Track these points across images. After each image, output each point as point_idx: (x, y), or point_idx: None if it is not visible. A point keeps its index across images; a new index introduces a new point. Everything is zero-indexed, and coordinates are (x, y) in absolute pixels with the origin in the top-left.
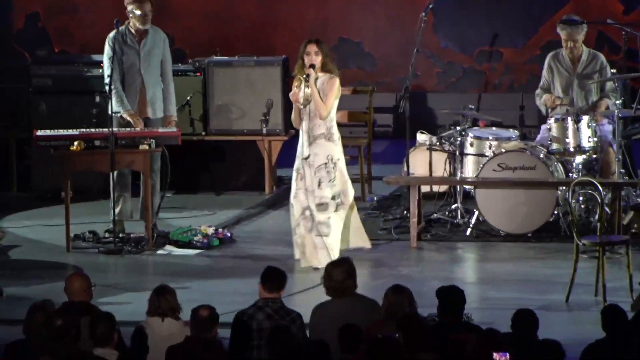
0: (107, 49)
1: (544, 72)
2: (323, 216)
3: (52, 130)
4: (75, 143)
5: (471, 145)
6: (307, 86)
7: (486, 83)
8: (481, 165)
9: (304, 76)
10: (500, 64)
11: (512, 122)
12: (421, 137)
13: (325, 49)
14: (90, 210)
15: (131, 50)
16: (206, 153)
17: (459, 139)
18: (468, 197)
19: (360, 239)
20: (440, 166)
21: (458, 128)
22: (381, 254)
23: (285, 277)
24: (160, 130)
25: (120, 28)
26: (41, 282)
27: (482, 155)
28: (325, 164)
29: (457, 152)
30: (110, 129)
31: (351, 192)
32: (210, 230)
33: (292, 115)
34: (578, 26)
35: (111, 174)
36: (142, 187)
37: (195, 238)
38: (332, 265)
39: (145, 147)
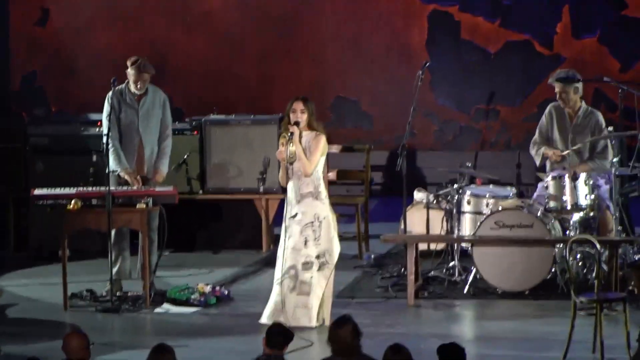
0: (106, 106)
1: (543, 120)
2: (306, 275)
3: (49, 189)
4: (72, 202)
5: (468, 203)
6: (292, 144)
7: (483, 141)
8: (478, 223)
9: (289, 134)
10: (497, 122)
11: (509, 179)
12: (418, 194)
13: (312, 107)
14: (88, 269)
15: (130, 109)
16: (203, 211)
17: (456, 196)
18: (465, 255)
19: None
20: (438, 224)
21: (455, 186)
22: (378, 312)
23: (291, 336)
24: (158, 189)
25: (120, 86)
26: (39, 340)
27: (479, 213)
28: (312, 222)
29: (454, 210)
30: (107, 188)
31: (336, 252)
32: (208, 289)
33: (280, 174)
34: (568, 80)
35: (109, 232)
36: (140, 246)
37: (192, 296)
38: (336, 326)
39: (143, 205)
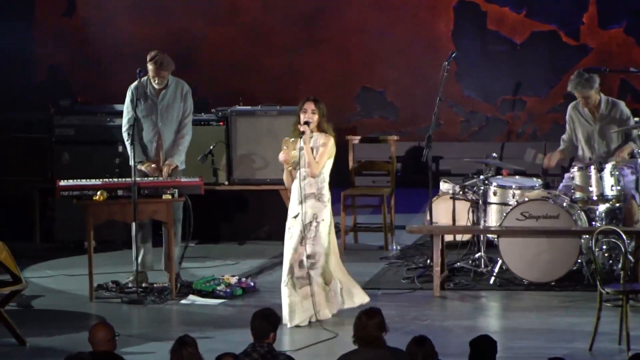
0: (128, 97)
1: (567, 123)
2: (302, 272)
3: (75, 181)
4: (98, 193)
5: (494, 194)
6: (302, 144)
7: (509, 132)
8: (504, 214)
9: (299, 134)
10: (523, 112)
11: (535, 170)
12: (444, 185)
13: (323, 109)
14: (113, 260)
15: (150, 102)
16: (229, 203)
17: (482, 187)
18: (491, 246)
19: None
20: (464, 215)
21: (481, 177)
22: (404, 303)
23: (273, 323)
24: (184, 180)
25: (144, 78)
26: (65, 332)
27: (506, 204)
28: (310, 222)
29: (480, 201)
30: (132, 179)
31: (323, 258)
32: (233, 280)
33: (284, 176)
34: (585, 84)
35: (134, 223)
36: (164, 237)
37: (218, 287)
38: (366, 316)
39: (168, 196)
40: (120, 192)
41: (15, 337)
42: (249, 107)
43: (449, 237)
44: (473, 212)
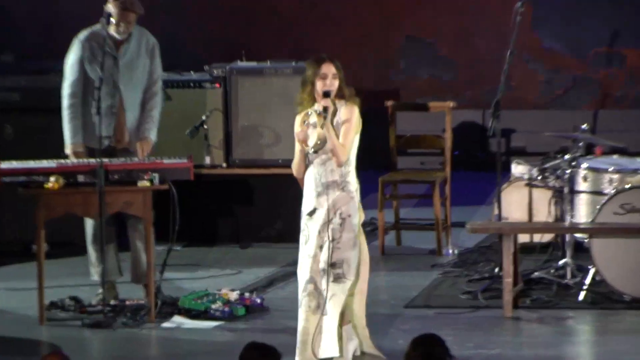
0: (73, 52)
1: None
2: (323, 286)
3: (21, 162)
4: (52, 179)
5: (585, 179)
6: (323, 123)
7: (604, 96)
8: (598, 207)
9: (317, 111)
10: (622, 70)
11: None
12: (517, 169)
13: (341, 68)
14: (71, 269)
15: (108, 58)
16: (228, 192)
17: (568, 171)
18: (581, 250)
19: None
20: (544, 208)
21: (567, 157)
22: (464, 326)
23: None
24: (166, 161)
25: (95, 27)
26: None
27: (600, 193)
28: (332, 219)
29: (566, 189)
30: (98, 159)
31: (355, 265)
32: (234, 295)
33: (295, 160)
34: None
35: (101, 219)
36: (132, 240)
37: (213, 306)
38: (423, 346)
39: (146, 183)
40: (81, 178)
41: None
42: (254, 63)
43: (524, 238)
44: (556, 204)
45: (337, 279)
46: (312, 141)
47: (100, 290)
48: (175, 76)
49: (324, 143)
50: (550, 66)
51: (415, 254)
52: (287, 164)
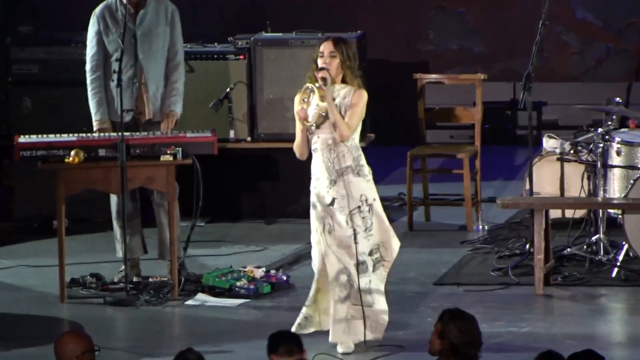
0: (91, 25)
1: None
2: (364, 280)
3: (40, 136)
4: (72, 153)
5: (618, 153)
6: (322, 96)
7: (638, 68)
8: (631, 182)
9: (316, 84)
10: None
11: None
12: (549, 143)
13: (349, 52)
14: (93, 245)
15: (124, 29)
16: (252, 166)
17: (601, 145)
18: (614, 226)
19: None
20: (576, 183)
21: (600, 130)
22: (494, 304)
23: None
24: (190, 135)
25: (109, 0)
26: (26, 344)
27: (634, 167)
28: (359, 207)
29: (599, 164)
30: (119, 132)
31: (395, 245)
32: (259, 273)
33: (297, 141)
34: None
35: (122, 195)
36: (157, 216)
37: (238, 283)
38: (457, 320)
39: (169, 158)
40: (102, 152)
41: None
42: (280, 34)
43: (555, 214)
44: (589, 178)
45: (376, 264)
46: (312, 116)
47: (123, 267)
48: (198, 48)
49: (323, 117)
50: (583, 37)
51: (444, 229)
52: None
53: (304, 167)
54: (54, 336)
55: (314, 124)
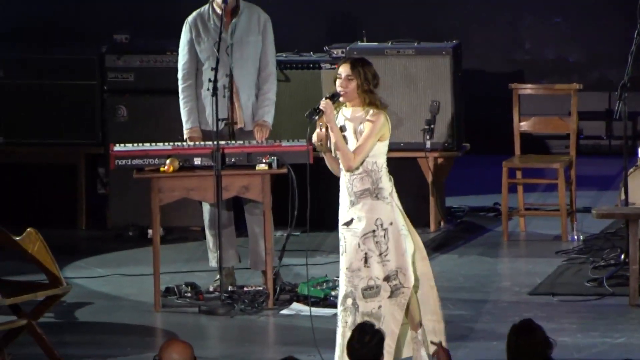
0: (183, 33)
1: None
2: (370, 305)
3: (135, 145)
4: (167, 162)
5: None
6: (321, 125)
7: None
8: None
9: (317, 108)
10: None
11: None
12: None
13: (367, 73)
14: (188, 254)
15: (214, 36)
16: None
17: None
18: None
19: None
20: None
21: None
22: (589, 315)
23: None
24: (285, 144)
25: (202, 8)
26: (121, 352)
27: None
28: (374, 231)
29: None
30: (215, 142)
31: (411, 271)
32: None
33: (326, 161)
34: None
35: (218, 204)
36: (250, 224)
37: (333, 292)
38: (520, 335)
39: (264, 167)
40: (197, 161)
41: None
42: (375, 43)
43: None
44: None
45: (395, 291)
46: (326, 142)
47: (218, 277)
48: (294, 57)
49: (324, 146)
50: None
51: (539, 239)
52: (409, 147)
53: (399, 177)
54: (151, 345)
55: (320, 150)
